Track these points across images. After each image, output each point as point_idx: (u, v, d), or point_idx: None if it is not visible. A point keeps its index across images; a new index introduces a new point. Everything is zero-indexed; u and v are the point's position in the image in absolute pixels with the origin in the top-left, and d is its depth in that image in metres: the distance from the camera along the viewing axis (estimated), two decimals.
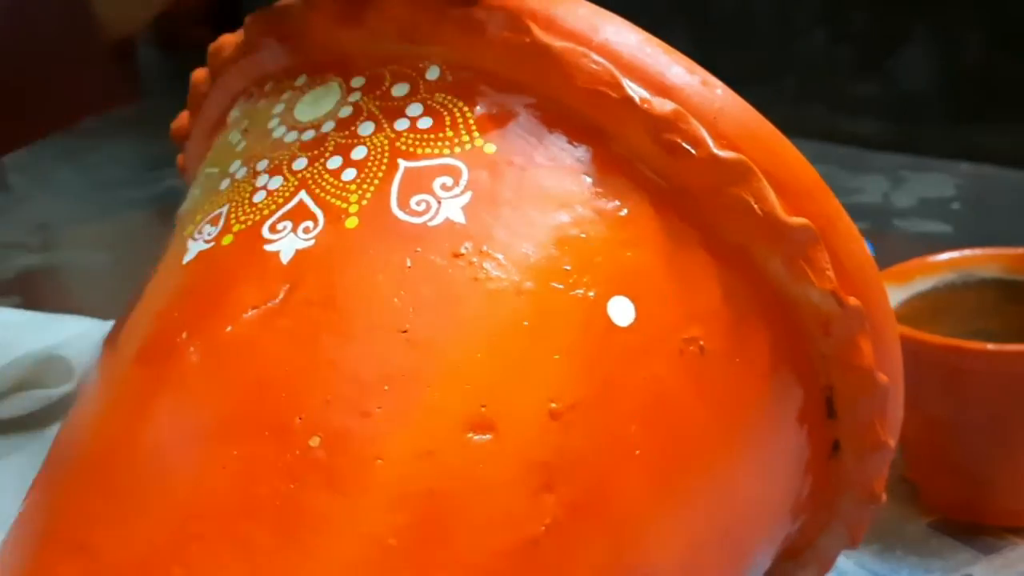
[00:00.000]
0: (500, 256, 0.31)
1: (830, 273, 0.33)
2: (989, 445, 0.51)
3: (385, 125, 0.33)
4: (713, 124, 0.32)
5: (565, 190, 0.32)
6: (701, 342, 0.32)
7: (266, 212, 0.32)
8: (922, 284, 0.58)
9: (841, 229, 0.34)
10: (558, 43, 0.32)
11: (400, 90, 0.33)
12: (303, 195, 0.32)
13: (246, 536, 0.26)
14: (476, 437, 0.28)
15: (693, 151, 0.32)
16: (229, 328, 0.30)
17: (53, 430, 0.54)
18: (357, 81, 0.34)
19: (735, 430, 0.33)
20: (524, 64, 0.32)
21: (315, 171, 0.33)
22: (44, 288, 1.02)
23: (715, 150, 0.32)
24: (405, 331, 0.29)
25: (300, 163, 0.33)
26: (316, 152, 0.33)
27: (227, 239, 0.32)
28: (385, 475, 0.27)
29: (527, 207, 0.31)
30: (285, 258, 0.31)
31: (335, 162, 0.33)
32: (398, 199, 0.31)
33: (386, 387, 0.29)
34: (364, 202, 0.32)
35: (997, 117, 1.14)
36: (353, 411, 0.28)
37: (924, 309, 0.58)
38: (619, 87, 0.32)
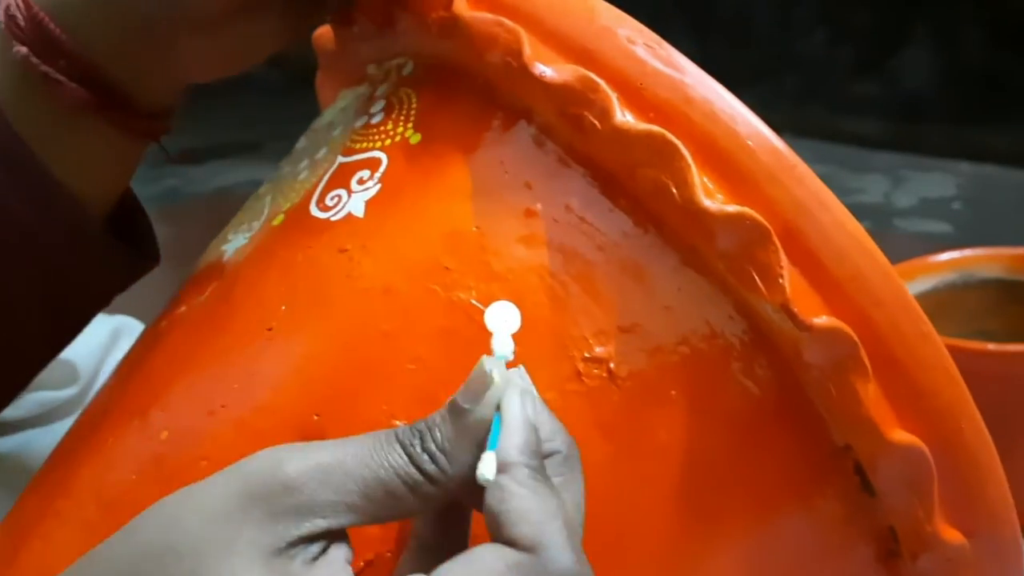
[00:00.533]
0: (381, 253, 0.27)
1: (783, 281, 0.24)
2: None
3: (349, 125, 0.31)
4: (638, 92, 0.25)
5: (476, 178, 0.27)
6: (611, 365, 0.25)
7: (242, 216, 0.33)
8: (923, 284, 0.58)
9: (825, 223, 0.24)
10: (471, 12, 0.27)
11: (381, 89, 0.31)
12: (268, 198, 0.32)
13: (88, 519, 0.27)
14: None
15: (598, 124, 0.25)
16: (164, 322, 0.30)
17: (56, 428, 0.54)
18: (363, 88, 0.33)
19: (675, 496, 0.25)
20: (452, 42, 0.28)
21: (287, 175, 0.32)
22: None
23: (618, 120, 0.25)
24: (270, 329, 0.27)
25: (285, 169, 0.33)
26: (296, 158, 0.33)
27: (223, 236, 0.33)
28: (206, 477, 0.25)
29: (429, 199, 0.27)
30: (227, 256, 0.31)
31: (303, 164, 0.31)
32: (319, 196, 0.29)
33: (236, 385, 0.27)
34: (297, 199, 0.30)
35: (998, 117, 1.14)
36: (202, 408, 0.27)
37: (925, 309, 0.57)
38: (519, 54, 0.26)
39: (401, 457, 0.20)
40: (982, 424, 0.26)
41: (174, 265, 0.36)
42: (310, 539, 0.20)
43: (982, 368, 0.49)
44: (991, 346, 0.50)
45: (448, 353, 0.25)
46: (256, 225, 0.31)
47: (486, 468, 0.21)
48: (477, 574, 0.19)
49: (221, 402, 0.27)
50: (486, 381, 0.21)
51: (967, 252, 0.58)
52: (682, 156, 0.24)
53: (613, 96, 0.25)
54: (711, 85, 0.25)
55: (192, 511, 0.20)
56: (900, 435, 0.25)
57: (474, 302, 0.26)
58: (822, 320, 0.24)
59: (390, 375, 0.25)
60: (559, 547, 0.20)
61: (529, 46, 0.26)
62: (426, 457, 0.21)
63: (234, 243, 0.31)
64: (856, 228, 0.25)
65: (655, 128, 0.24)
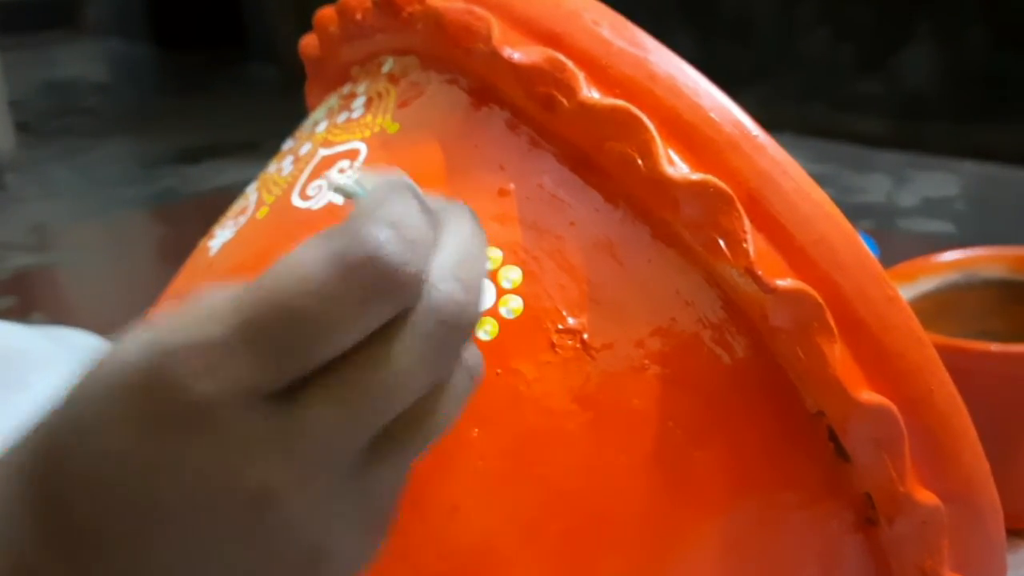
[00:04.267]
0: None
1: (747, 246, 0.25)
2: (992, 445, 0.52)
3: (332, 121, 0.32)
4: (604, 70, 0.26)
5: (451, 162, 0.28)
6: (584, 336, 0.26)
7: (229, 213, 0.33)
8: (926, 284, 0.58)
9: (788, 189, 0.25)
10: (443, 3, 0.28)
11: (362, 87, 0.33)
12: (254, 194, 0.33)
13: None
14: None
15: (566, 102, 0.26)
16: (151, 315, 0.31)
17: None
18: (346, 88, 0.34)
19: (651, 464, 0.26)
20: (427, 33, 0.29)
21: (272, 172, 0.33)
22: (40, 288, 1.02)
23: (584, 96, 0.26)
24: None
25: (271, 168, 0.34)
26: (283, 155, 0.34)
27: (210, 233, 0.33)
28: None
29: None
30: (213, 251, 0.31)
31: (287, 160, 0.32)
32: (302, 188, 0.30)
33: None
34: (279, 192, 0.31)
35: (1001, 116, 1.14)
36: None
37: (928, 309, 0.57)
38: (489, 39, 0.27)
39: None
40: (954, 389, 0.27)
41: (172, 264, 0.36)
42: None
43: (985, 368, 0.49)
44: (994, 346, 0.50)
45: None
46: (242, 220, 0.32)
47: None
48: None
49: None
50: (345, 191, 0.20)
51: (970, 252, 0.58)
52: (646, 128, 0.25)
53: (580, 75, 0.26)
54: (675, 62, 0.26)
55: None
56: (868, 396, 0.25)
57: None
58: (786, 283, 0.25)
59: None
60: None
61: (499, 31, 0.27)
62: None
63: (220, 238, 0.32)
64: (819, 194, 0.26)
65: (619, 102, 0.26)
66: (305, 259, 0.18)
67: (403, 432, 0.19)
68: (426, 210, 0.20)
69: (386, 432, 0.19)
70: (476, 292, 0.20)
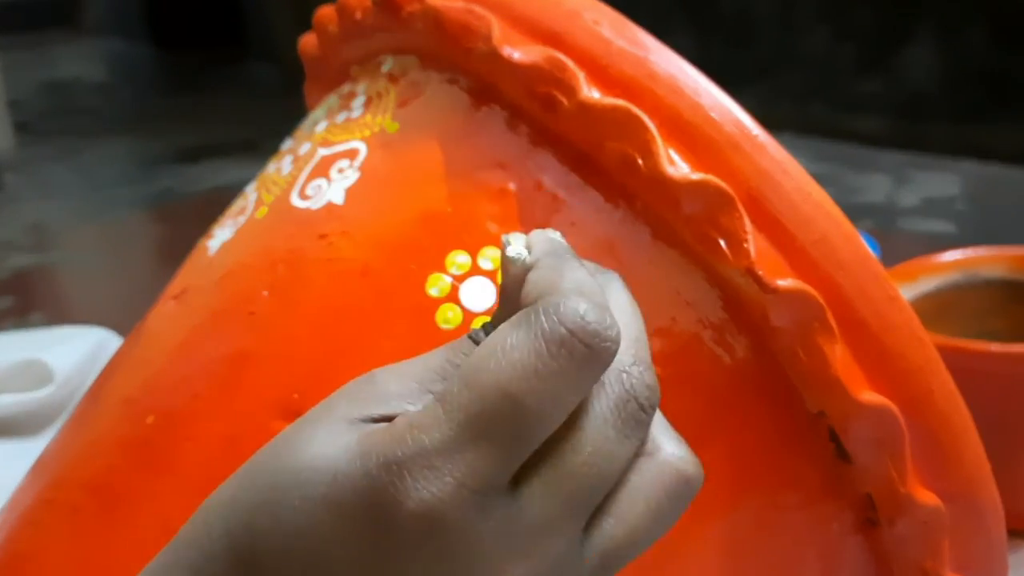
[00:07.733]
0: (359, 236, 0.28)
1: (748, 246, 0.25)
2: (993, 445, 0.52)
3: (331, 121, 0.32)
4: (604, 70, 0.26)
5: (450, 161, 0.28)
6: None
7: (228, 213, 0.33)
8: (927, 284, 0.58)
9: (788, 189, 0.25)
10: (443, 2, 0.28)
11: (362, 86, 0.33)
12: (253, 193, 0.32)
13: (76, 505, 0.27)
14: (281, 425, 0.25)
15: (566, 101, 0.26)
16: (151, 316, 0.31)
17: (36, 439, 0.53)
18: (346, 87, 0.34)
19: None
20: (426, 33, 0.29)
21: (272, 172, 0.33)
22: (38, 288, 1.02)
23: (584, 96, 0.26)
24: (252, 313, 0.28)
25: (270, 167, 0.34)
26: (282, 155, 0.34)
27: (209, 233, 0.33)
28: (190, 457, 0.27)
29: (406, 183, 0.28)
30: (212, 251, 0.31)
31: (287, 160, 0.32)
32: (301, 187, 0.30)
33: (219, 369, 0.28)
34: (278, 192, 0.31)
35: (1002, 116, 1.14)
36: (187, 392, 0.28)
37: (929, 309, 0.57)
38: (489, 39, 0.27)
39: (467, 342, 0.20)
40: (954, 388, 0.27)
41: (170, 264, 0.36)
42: (383, 419, 0.20)
43: (986, 368, 0.49)
44: (995, 346, 0.50)
45: (425, 328, 0.26)
46: (241, 220, 0.32)
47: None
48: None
49: (205, 385, 0.27)
50: (516, 264, 0.21)
51: (971, 252, 0.58)
52: (647, 128, 0.25)
53: (580, 74, 0.26)
54: (675, 61, 0.26)
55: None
56: (869, 396, 0.25)
57: (448, 278, 0.27)
58: (787, 283, 0.25)
59: (368, 352, 0.26)
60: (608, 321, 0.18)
61: (499, 31, 0.27)
62: (483, 334, 0.20)
63: (219, 238, 0.32)
64: (820, 194, 0.26)
65: (620, 102, 0.26)
66: (513, 343, 0.18)
67: (612, 519, 0.19)
68: (592, 273, 0.20)
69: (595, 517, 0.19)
70: (653, 372, 0.20)
